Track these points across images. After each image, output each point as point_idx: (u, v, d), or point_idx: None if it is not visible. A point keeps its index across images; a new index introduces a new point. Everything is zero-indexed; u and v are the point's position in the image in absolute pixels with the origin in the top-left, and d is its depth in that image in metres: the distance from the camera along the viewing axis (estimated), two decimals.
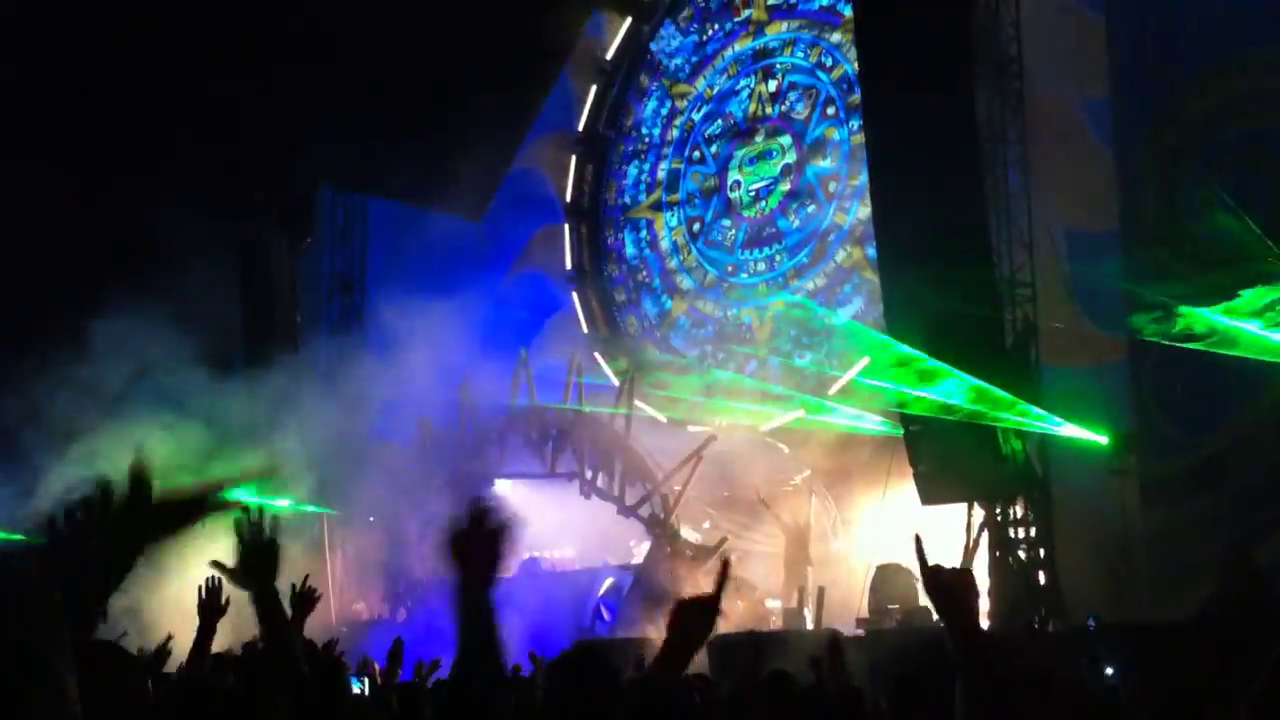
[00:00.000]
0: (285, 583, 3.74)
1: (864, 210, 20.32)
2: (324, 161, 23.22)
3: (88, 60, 17.07)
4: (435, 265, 25.02)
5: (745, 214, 23.36)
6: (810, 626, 14.95)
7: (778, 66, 23.32)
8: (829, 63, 22.45)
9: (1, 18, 17.12)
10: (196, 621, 4.50)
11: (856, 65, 17.01)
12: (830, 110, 22.29)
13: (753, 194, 23.26)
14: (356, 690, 7.84)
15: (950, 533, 14.67)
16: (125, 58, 18.17)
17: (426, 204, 25.87)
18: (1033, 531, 13.98)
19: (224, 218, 19.95)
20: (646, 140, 25.54)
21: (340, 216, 24.91)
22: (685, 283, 24.25)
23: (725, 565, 2.79)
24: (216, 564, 3.51)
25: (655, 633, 15.79)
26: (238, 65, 19.17)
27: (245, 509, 3.32)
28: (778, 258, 22.73)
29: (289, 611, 3.75)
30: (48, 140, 17.81)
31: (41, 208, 17.79)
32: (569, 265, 25.81)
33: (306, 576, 4.64)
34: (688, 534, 17.87)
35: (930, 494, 14.37)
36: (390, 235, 25.39)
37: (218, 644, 4.89)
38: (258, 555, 3.39)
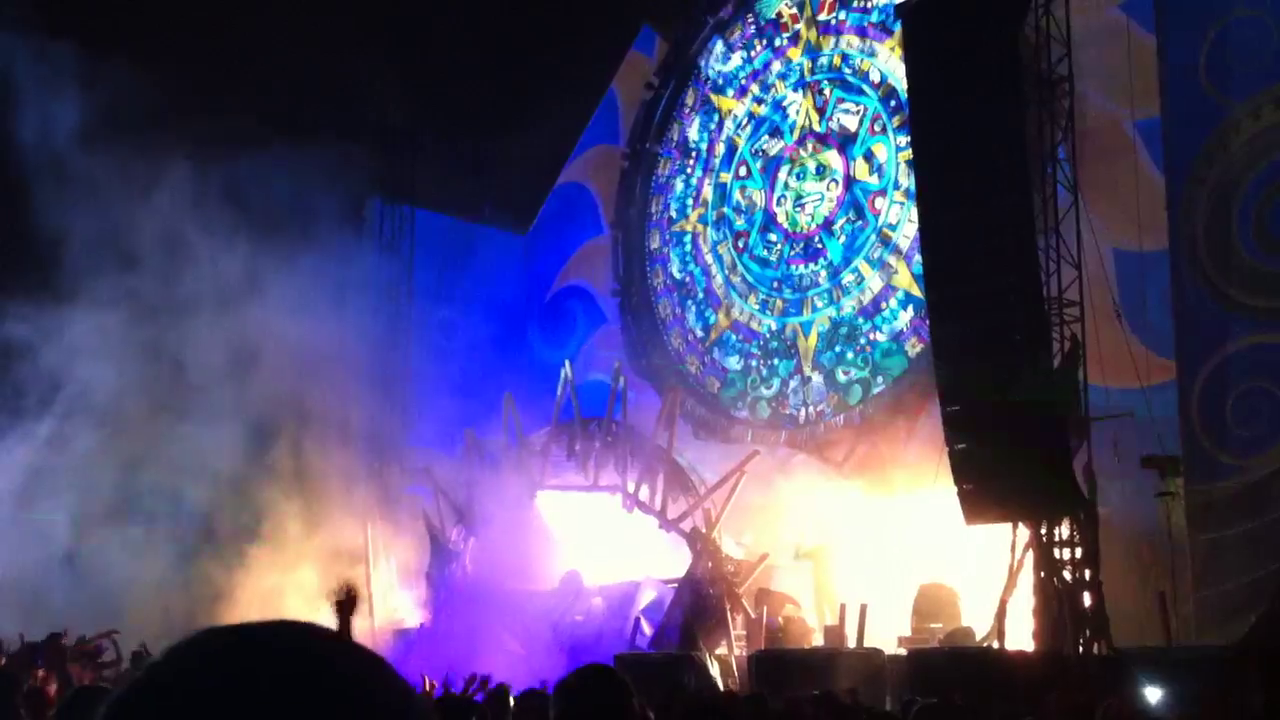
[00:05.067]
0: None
1: (910, 227, 20.27)
2: (373, 173, 23.49)
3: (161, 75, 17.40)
4: (481, 277, 25.23)
5: (791, 229, 23.34)
6: (851, 645, 14.88)
7: (825, 82, 23.31)
8: (877, 79, 22.42)
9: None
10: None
11: (905, 81, 16.98)
12: (878, 126, 22.26)
13: (799, 209, 23.24)
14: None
15: (995, 552, 14.57)
16: (182, 61, 18.53)
17: (474, 216, 26.12)
18: (1078, 553, 13.85)
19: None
20: (693, 155, 25.59)
21: (388, 229, 25.12)
22: (730, 297, 24.25)
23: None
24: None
25: (695, 648, 15.78)
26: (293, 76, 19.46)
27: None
28: (823, 273, 22.69)
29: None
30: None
31: None
32: (614, 279, 25.88)
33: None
34: (728, 549, 17.82)
35: (975, 513, 14.25)
36: (437, 247, 25.58)
37: None
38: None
